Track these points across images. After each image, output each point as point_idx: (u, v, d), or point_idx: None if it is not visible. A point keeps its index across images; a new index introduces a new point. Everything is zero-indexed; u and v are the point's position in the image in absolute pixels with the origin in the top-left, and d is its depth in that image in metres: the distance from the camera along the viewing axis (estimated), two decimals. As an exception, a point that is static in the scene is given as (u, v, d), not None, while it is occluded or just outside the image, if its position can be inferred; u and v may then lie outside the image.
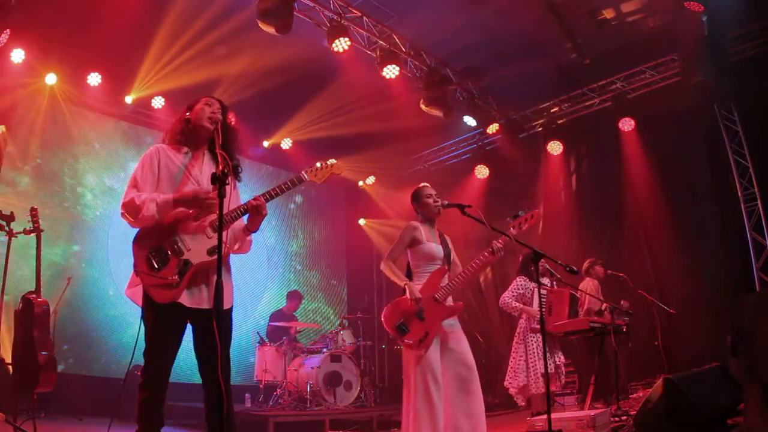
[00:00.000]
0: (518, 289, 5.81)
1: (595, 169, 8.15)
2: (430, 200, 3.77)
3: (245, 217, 2.90)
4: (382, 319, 3.64)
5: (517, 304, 5.72)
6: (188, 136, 2.96)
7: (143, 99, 7.76)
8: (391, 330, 3.57)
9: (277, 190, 2.90)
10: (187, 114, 2.99)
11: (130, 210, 2.75)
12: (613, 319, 5.65)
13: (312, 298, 9.89)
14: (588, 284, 6.40)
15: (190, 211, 2.82)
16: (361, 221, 10.57)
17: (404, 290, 3.61)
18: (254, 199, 2.83)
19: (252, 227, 2.89)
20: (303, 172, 3.03)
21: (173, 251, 2.77)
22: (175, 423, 6.12)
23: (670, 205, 7.30)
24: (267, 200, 2.86)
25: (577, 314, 5.78)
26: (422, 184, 3.92)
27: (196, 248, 2.79)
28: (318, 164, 3.07)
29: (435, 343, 3.51)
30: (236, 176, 2.97)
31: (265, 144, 9.19)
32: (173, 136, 2.99)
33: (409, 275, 3.73)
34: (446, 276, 3.70)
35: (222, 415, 2.53)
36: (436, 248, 3.71)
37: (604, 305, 6.08)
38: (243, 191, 3.09)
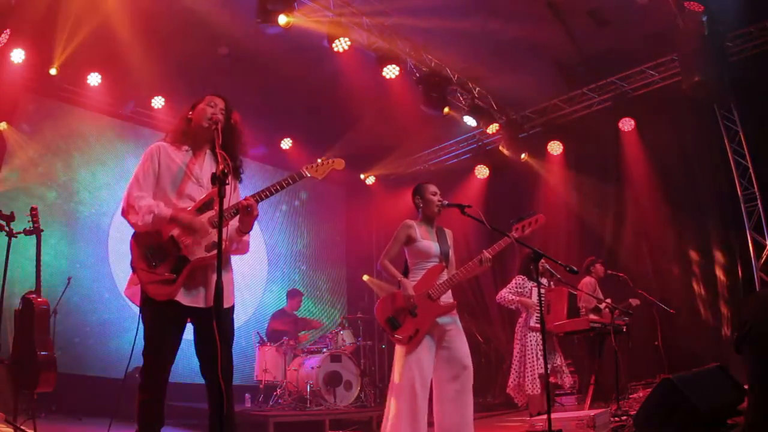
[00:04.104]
0: (516, 287, 5.78)
1: (595, 169, 8.15)
2: (435, 198, 3.77)
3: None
4: (375, 311, 3.64)
5: (513, 296, 5.68)
6: (190, 135, 2.96)
7: (143, 99, 7.75)
8: (383, 323, 3.57)
9: (272, 189, 2.88)
10: (190, 113, 2.99)
11: (129, 213, 2.76)
12: (613, 319, 5.65)
13: (318, 300, 9.84)
14: (586, 282, 6.40)
15: (188, 208, 2.82)
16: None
17: (399, 286, 3.61)
18: (245, 199, 2.82)
19: (244, 228, 2.86)
20: (303, 168, 3.03)
21: (171, 248, 2.76)
22: (175, 423, 6.10)
23: (670, 205, 7.30)
24: (259, 200, 2.83)
25: (578, 312, 5.77)
26: (425, 182, 3.92)
27: (194, 244, 2.77)
28: (318, 160, 3.09)
29: (428, 341, 3.50)
30: (237, 177, 2.97)
31: (265, 144, 9.17)
32: (175, 134, 2.99)
33: (407, 273, 3.72)
34: (443, 273, 3.68)
35: (222, 414, 2.52)
36: (433, 246, 3.70)
37: (603, 304, 6.08)
38: (243, 191, 3.07)
